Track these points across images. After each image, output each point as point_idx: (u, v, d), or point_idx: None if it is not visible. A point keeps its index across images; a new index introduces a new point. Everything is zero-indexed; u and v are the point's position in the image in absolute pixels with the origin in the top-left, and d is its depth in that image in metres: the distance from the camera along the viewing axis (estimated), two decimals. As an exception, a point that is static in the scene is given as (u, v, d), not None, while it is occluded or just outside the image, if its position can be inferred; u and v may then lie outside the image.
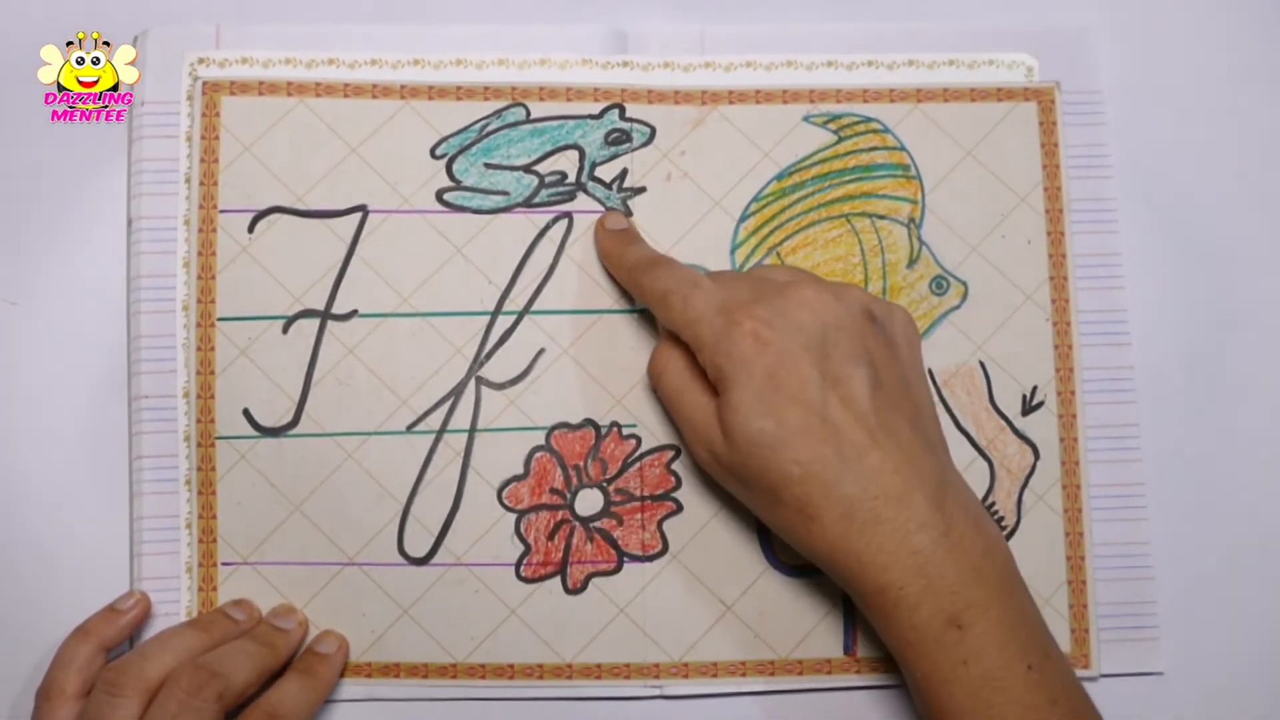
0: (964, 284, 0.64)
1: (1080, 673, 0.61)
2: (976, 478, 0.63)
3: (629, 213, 0.63)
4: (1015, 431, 0.63)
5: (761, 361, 0.53)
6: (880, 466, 0.52)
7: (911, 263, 0.64)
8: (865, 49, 0.66)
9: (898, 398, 0.55)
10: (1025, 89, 0.65)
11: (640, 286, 0.59)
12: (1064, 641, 0.62)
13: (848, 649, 0.61)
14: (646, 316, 0.63)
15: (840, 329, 0.54)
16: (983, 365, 0.63)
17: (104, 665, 0.57)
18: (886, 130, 0.65)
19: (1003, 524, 0.62)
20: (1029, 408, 0.63)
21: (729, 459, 0.54)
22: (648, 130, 0.64)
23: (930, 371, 0.63)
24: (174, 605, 0.60)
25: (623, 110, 0.64)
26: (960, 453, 0.63)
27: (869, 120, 0.65)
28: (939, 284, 0.64)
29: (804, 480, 0.52)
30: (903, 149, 0.65)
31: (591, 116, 0.64)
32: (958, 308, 0.64)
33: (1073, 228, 0.65)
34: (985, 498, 0.62)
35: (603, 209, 0.64)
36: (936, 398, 0.63)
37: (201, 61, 0.64)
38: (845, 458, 0.52)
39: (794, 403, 0.52)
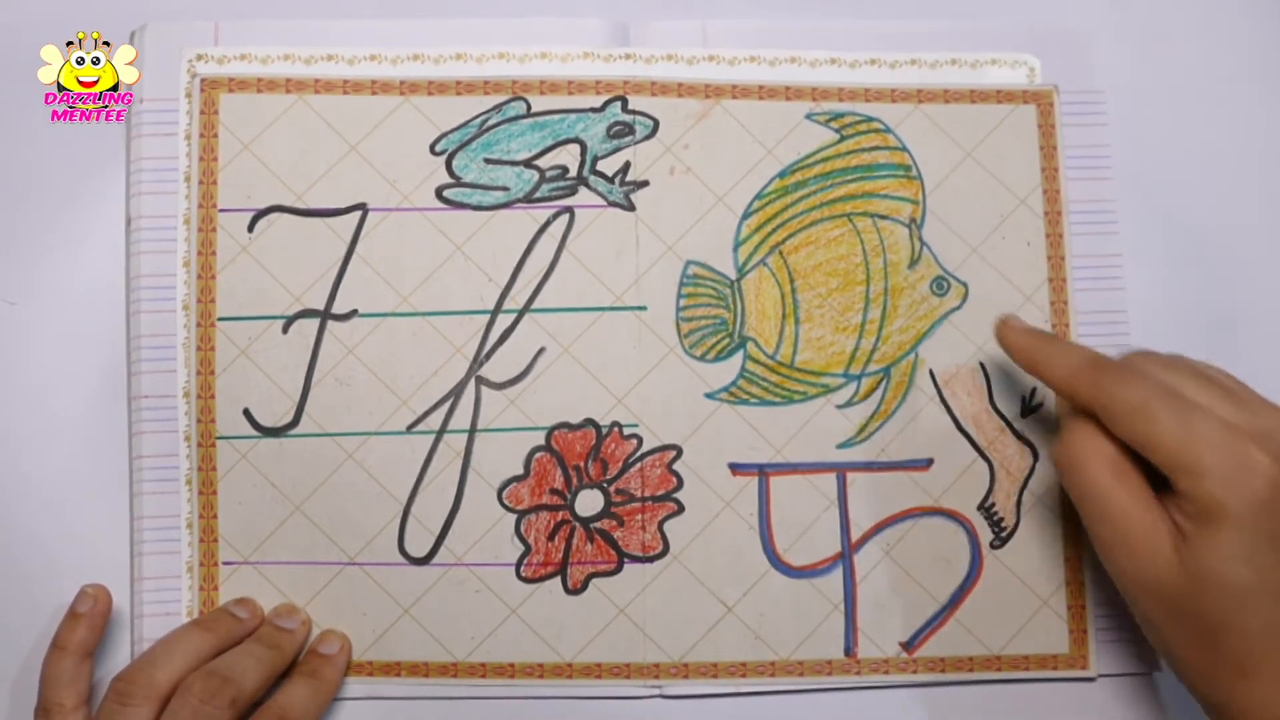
0: (964, 285, 0.64)
1: (1077, 673, 0.62)
2: (976, 479, 0.63)
3: (631, 207, 0.63)
4: (1015, 433, 0.63)
5: (1273, 507, 0.47)
6: None
7: (913, 263, 0.64)
8: (867, 47, 0.66)
9: None
10: (1025, 91, 0.65)
11: (1105, 394, 0.50)
12: (1062, 642, 0.62)
13: (848, 650, 0.62)
14: (648, 314, 0.63)
15: None
16: (983, 366, 0.63)
17: (92, 669, 0.57)
18: (888, 130, 0.65)
19: (1002, 525, 0.63)
20: (1028, 409, 0.63)
21: (1176, 588, 0.49)
22: (651, 123, 0.64)
23: (931, 372, 0.63)
24: (175, 605, 0.60)
25: (625, 103, 0.64)
26: (960, 454, 0.63)
27: (871, 120, 0.65)
28: (940, 285, 0.64)
29: (1263, 637, 0.48)
30: (904, 149, 0.65)
31: (593, 110, 0.64)
32: (958, 308, 0.64)
33: (1072, 229, 0.65)
34: (985, 499, 0.63)
35: (605, 203, 0.63)
36: (937, 398, 0.63)
37: (200, 58, 0.63)
38: None
39: None
